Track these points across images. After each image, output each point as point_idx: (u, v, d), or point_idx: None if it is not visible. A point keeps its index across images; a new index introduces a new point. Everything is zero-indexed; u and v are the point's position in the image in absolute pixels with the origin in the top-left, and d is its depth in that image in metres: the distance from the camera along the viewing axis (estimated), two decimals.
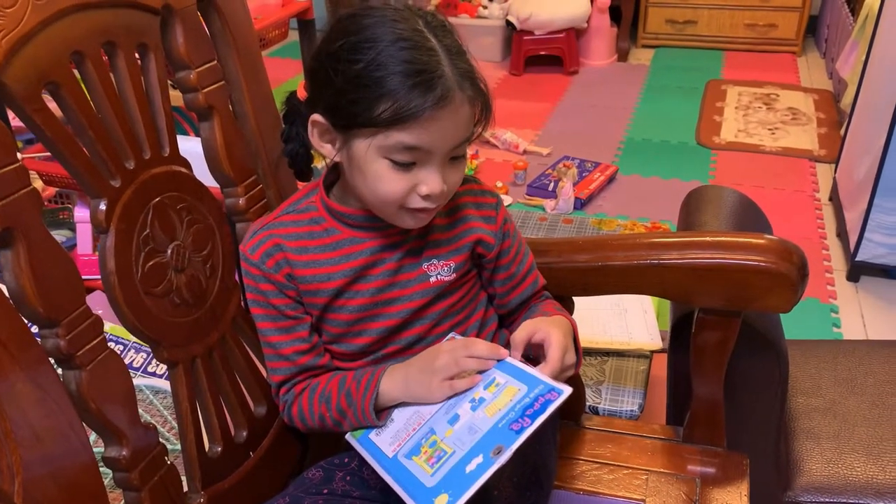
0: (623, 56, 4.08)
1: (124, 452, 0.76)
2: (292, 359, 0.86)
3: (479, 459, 0.66)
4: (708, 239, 0.96)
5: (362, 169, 0.77)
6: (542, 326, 0.79)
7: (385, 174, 0.76)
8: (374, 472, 0.75)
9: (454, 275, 0.85)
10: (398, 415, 0.77)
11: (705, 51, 4.12)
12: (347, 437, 0.81)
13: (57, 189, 2.00)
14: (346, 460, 0.87)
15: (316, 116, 0.79)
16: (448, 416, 0.73)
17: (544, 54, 3.87)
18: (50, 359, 0.69)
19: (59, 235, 1.96)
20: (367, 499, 0.83)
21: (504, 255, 0.90)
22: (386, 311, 0.84)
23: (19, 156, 1.74)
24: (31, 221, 0.67)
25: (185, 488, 0.86)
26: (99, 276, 0.77)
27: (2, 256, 0.66)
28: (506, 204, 2.50)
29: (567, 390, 0.69)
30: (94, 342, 0.72)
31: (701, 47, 4.15)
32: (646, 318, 1.45)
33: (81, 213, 1.82)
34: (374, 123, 0.73)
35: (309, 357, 0.86)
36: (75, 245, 1.84)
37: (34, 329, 0.69)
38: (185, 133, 2.00)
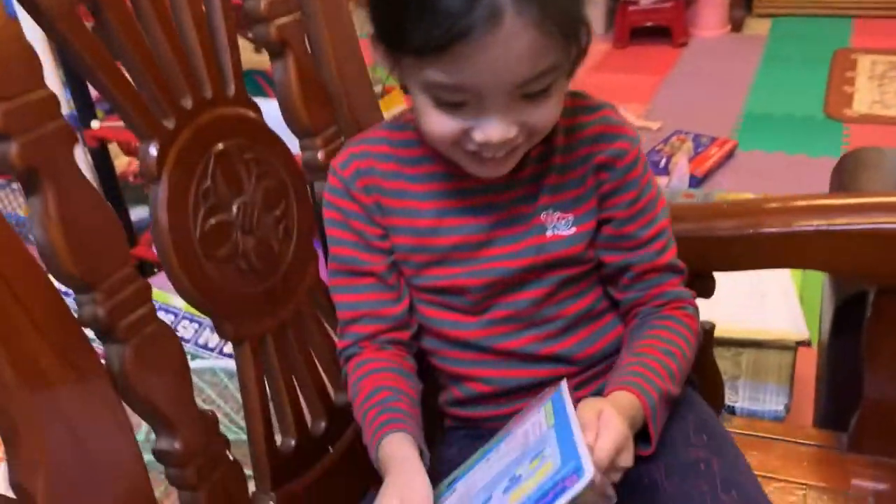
0: (737, 26, 3.83)
1: (177, 445, 0.64)
2: (360, 307, 0.72)
3: None
4: (893, 199, 0.79)
5: (413, 98, 0.64)
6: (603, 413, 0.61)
7: (430, 112, 0.62)
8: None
9: (574, 229, 0.70)
10: (461, 486, 0.67)
11: (831, 19, 3.82)
12: None
13: None
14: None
15: (373, 33, 0.65)
16: (482, 498, 0.62)
17: (651, 25, 3.64)
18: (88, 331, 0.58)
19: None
20: None
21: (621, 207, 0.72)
22: (490, 266, 0.71)
23: (96, 123, 1.66)
24: (61, 162, 0.55)
25: (252, 489, 0.75)
26: None
27: (29, 204, 0.55)
28: None
29: (588, 475, 0.53)
30: (141, 311, 0.61)
31: (825, 15, 3.85)
32: (788, 302, 1.27)
33: None
34: (403, 52, 0.59)
35: (383, 313, 0.72)
36: None
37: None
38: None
